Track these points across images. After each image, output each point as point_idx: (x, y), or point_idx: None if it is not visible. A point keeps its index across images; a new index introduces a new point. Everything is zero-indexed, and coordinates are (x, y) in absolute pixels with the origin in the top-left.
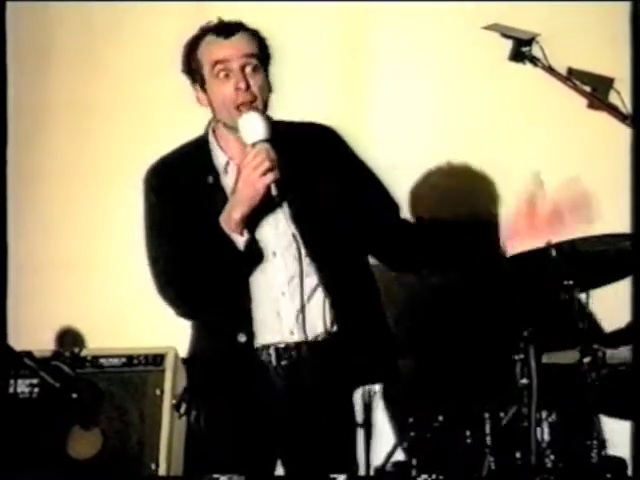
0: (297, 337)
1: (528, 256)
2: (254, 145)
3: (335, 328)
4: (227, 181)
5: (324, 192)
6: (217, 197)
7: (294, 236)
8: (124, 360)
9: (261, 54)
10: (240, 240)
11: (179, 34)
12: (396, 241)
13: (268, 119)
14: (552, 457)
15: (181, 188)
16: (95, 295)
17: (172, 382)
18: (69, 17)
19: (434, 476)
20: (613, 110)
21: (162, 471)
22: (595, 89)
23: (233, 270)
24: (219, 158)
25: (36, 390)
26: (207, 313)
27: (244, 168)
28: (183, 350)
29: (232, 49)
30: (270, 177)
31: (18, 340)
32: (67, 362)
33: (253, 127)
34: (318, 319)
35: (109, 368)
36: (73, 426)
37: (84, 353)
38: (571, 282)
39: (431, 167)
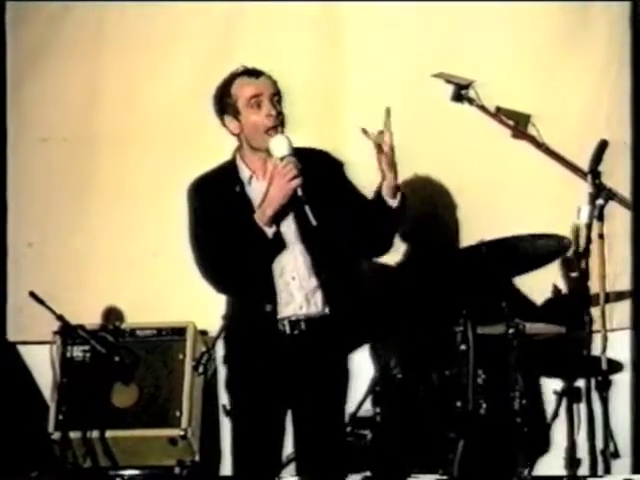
0: (304, 313)
1: (466, 251)
2: (282, 159)
3: (327, 309)
4: (250, 189)
5: (323, 199)
6: (242, 201)
7: (296, 235)
8: (155, 332)
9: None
10: (269, 231)
11: (205, 71)
12: (374, 227)
13: (290, 140)
14: (484, 405)
15: (216, 194)
16: (133, 283)
17: (192, 349)
18: (112, 65)
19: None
20: (531, 139)
21: (185, 417)
22: (517, 123)
23: (262, 254)
24: (244, 172)
25: (87, 355)
26: (239, 288)
27: (276, 176)
28: (200, 324)
29: (262, 86)
30: (297, 182)
31: (77, 316)
32: (111, 333)
33: (280, 145)
34: (318, 301)
35: (143, 338)
36: (116, 382)
37: (124, 326)
38: (498, 271)
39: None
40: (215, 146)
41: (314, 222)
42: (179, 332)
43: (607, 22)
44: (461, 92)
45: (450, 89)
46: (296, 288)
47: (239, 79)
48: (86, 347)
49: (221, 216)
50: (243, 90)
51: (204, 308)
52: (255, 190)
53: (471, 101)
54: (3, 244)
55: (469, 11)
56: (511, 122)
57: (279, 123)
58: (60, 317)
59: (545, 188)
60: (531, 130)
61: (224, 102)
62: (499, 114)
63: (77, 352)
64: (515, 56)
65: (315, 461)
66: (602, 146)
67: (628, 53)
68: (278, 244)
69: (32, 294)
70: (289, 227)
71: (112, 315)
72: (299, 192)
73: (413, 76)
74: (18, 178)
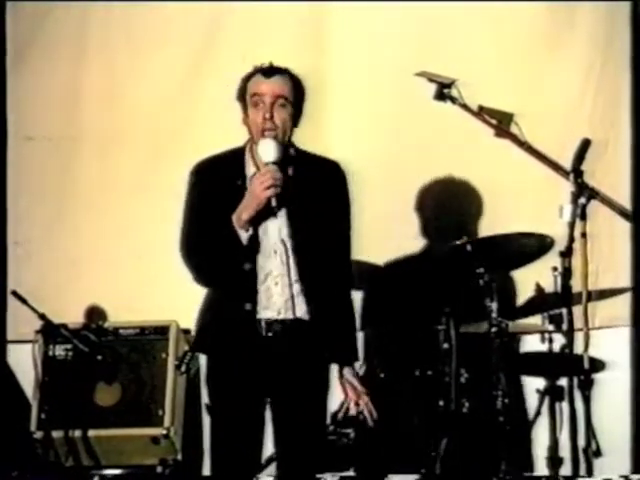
0: (282, 318)
1: (450, 250)
2: (266, 164)
3: (308, 315)
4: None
5: (318, 210)
6: (241, 197)
7: (285, 242)
8: (137, 331)
9: (292, 95)
10: (244, 236)
11: (190, 71)
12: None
13: (281, 146)
14: (467, 404)
15: (217, 181)
16: (115, 283)
17: (174, 348)
18: (97, 64)
19: None
20: (514, 137)
21: (167, 416)
22: (500, 121)
23: (235, 258)
24: (249, 168)
25: (70, 354)
26: (220, 284)
27: (254, 182)
28: (183, 323)
29: (268, 87)
30: (271, 191)
31: (63, 315)
32: (93, 332)
33: (266, 150)
34: (298, 306)
35: (126, 337)
36: (99, 381)
37: (107, 325)
38: (482, 269)
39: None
40: (201, 146)
41: (286, 236)
42: (162, 331)
43: (592, 22)
44: (444, 91)
45: (433, 88)
46: (277, 293)
47: (256, 75)
48: (68, 346)
49: (216, 207)
50: (252, 87)
51: (187, 307)
52: None
53: (454, 100)
54: (3, 244)
55: (453, 10)
56: (494, 121)
57: (273, 127)
58: (42, 316)
59: (528, 187)
60: (514, 129)
61: (242, 94)
62: (482, 113)
63: (59, 351)
64: (499, 55)
65: (291, 460)
66: (584, 145)
67: (613, 53)
68: (252, 248)
69: (14, 293)
70: (281, 231)
71: (95, 314)
72: (273, 202)
73: (397, 75)
74: (3, 177)
